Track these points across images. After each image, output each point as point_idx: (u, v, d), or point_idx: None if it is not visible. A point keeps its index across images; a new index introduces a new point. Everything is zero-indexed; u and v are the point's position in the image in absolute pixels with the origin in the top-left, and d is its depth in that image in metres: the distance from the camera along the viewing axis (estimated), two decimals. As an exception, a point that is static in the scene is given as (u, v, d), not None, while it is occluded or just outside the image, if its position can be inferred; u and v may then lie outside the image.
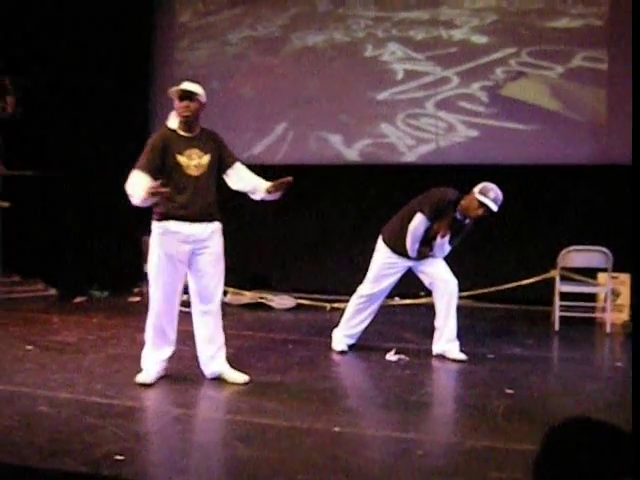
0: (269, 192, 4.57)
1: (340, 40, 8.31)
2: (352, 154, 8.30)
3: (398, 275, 5.63)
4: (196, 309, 4.76)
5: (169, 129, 4.60)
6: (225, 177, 4.71)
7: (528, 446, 3.60)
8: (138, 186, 4.35)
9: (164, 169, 4.48)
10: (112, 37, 8.33)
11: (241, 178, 4.70)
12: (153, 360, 4.75)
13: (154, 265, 4.62)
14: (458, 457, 3.68)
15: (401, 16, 8.09)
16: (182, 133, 4.57)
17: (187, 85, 4.54)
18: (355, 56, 8.27)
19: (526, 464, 3.30)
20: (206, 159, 4.56)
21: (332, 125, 8.34)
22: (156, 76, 8.88)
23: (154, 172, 4.43)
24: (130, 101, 8.51)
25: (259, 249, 8.33)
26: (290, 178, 4.51)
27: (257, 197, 4.72)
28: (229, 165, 4.68)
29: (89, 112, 8.38)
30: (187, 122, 4.55)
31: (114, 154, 8.18)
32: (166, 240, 4.55)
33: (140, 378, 4.69)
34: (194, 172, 4.50)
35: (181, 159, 4.50)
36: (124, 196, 4.46)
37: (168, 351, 4.78)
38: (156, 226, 4.59)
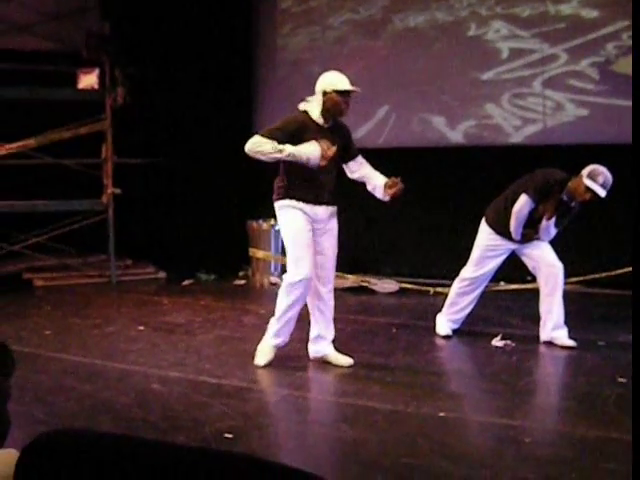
0: (386, 193, 4.61)
1: (442, 20, 8.14)
2: (456, 136, 8.14)
3: (501, 258, 5.51)
4: (312, 290, 4.77)
5: (307, 115, 4.63)
6: (345, 166, 4.81)
7: (643, 437, 3.47)
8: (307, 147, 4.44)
9: None
10: (214, 25, 8.47)
11: (360, 169, 4.79)
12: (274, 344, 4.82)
13: (292, 229, 4.63)
14: (568, 446, 3.59)
15: (506, -8, 7.85)
16: (321, 122, 4.62)
17: (352, 85, 4.63)
18: (458, 36, 8.08)
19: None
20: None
21: (435, 107, 8.19)
22: (258, 62, 8.99)
23: None
24: (233, 88, 8.65)
25: (362, 233, 8.32)
26: (401, 185, 4.55)
27: (373, 191, 4.76)
28: (352, 157, 4.78)
29: (194, 100, 8.57)
30: (337, 116, 4.65)
31: (219, 140, 8.37)
32: (296, 212, 4.62)
33: (259, 361, 4.78)
34: (322, 162, 4.57)
35: None
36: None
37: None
38: (283, 204, 4.65)
